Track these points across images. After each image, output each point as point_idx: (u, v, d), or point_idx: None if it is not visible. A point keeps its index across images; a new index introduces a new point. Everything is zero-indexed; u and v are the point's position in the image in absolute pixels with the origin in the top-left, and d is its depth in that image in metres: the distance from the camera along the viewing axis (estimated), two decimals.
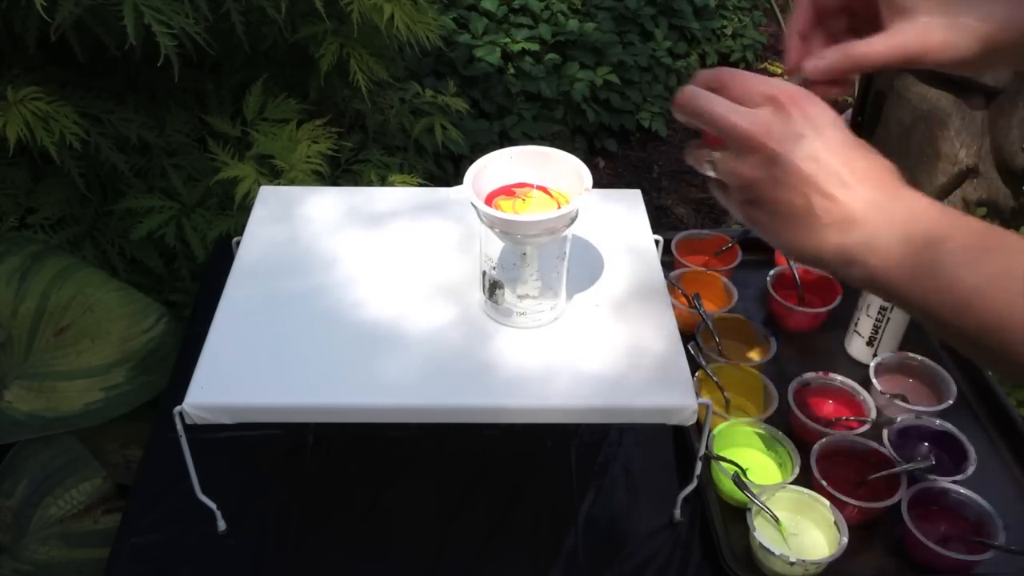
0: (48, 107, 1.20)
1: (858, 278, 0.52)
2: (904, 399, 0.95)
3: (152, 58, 1.15)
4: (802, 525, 0.83)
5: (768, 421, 0.91)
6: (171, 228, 1.37)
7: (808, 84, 0.58)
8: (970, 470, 0.86)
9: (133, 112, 1.39)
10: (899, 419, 0.92)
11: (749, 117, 0.52)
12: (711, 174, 0.56)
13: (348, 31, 1.43)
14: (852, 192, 0.50)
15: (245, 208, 1.26)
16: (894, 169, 0.53)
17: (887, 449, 0.88)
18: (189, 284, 1.45)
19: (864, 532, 0.84)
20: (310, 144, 1.42)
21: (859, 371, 1.00)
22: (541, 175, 0.77)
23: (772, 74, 3.27)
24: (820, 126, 0.52)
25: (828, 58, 0.57)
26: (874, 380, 0.96)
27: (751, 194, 0.53)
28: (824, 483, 0.83)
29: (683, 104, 0.55)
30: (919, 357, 0.99)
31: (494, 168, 0.76)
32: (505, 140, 2.54)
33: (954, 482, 0.85)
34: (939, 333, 0.51)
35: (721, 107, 0.53)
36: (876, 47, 0.56)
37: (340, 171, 1.61)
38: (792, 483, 0.84)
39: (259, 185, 1.06)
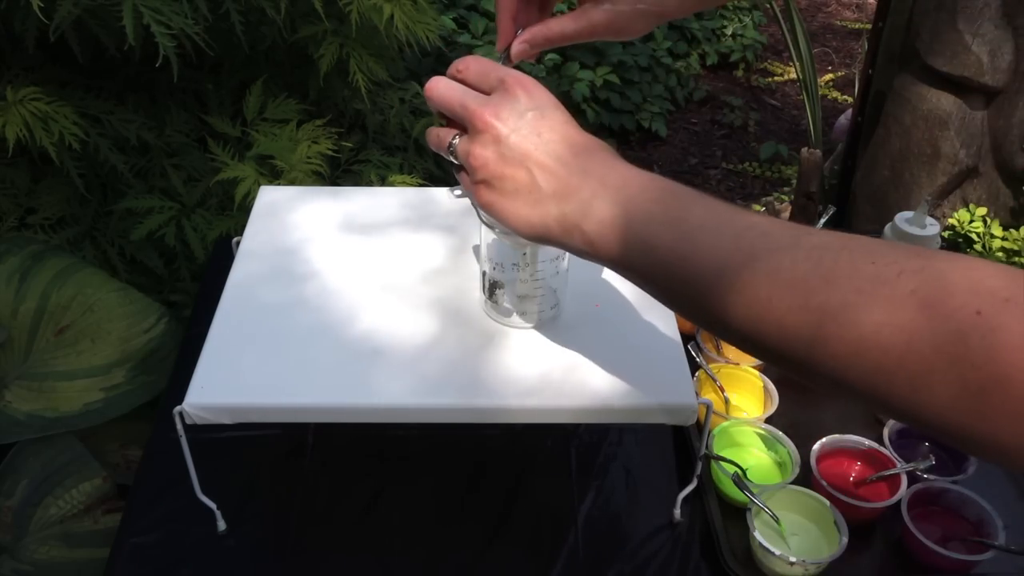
0: (47, 107, 1.20)
1: (579, 246, 0.55)
2: None
3: (152, 58, 1.15)
4: (802, 525, 0.83)
5: (768, 421, 0.91)
6: (171, 228, 1.37)
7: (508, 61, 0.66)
8: (970, 470, 0.86)
9: (133, 112, 1.39)
10: None
11: (480, 100, 0.56)
12: (452, 160, 0.59)
13: (347, 31, 1.43)
14: (569, 165, 0.55)
15: (245, 208, 1.26)
16: (608, 147, 0.57)
17: (887, 449, 0.88)
18: (189, 284, 1.45)
19: (864, 532, 0.84)
20: (310, 144, 1.42)
21: None
22: None
23: (772, 73, 3.27)
24: (543, 106, 0.56)
25: (526, 39, 0.65)
26: None
27: (484, 174, 0.56)
28: (824, 483, 0.83)
29: (429, 92, 0.59)
30: None
31: None
32: None
33: (954, 482, 0.85)
34: (659, 298, 0.54)
35: (458, 92, 0.58)
36: (566, 25, 0.64)
37: (340, 171, 1.61)
38: (792, 483, 0.84)
39: (259, 185, 1.06)
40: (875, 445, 0.88)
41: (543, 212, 0.55)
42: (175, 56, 1.15)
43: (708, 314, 0.49)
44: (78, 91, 1.35)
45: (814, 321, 0.43)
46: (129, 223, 1.38)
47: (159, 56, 1.13)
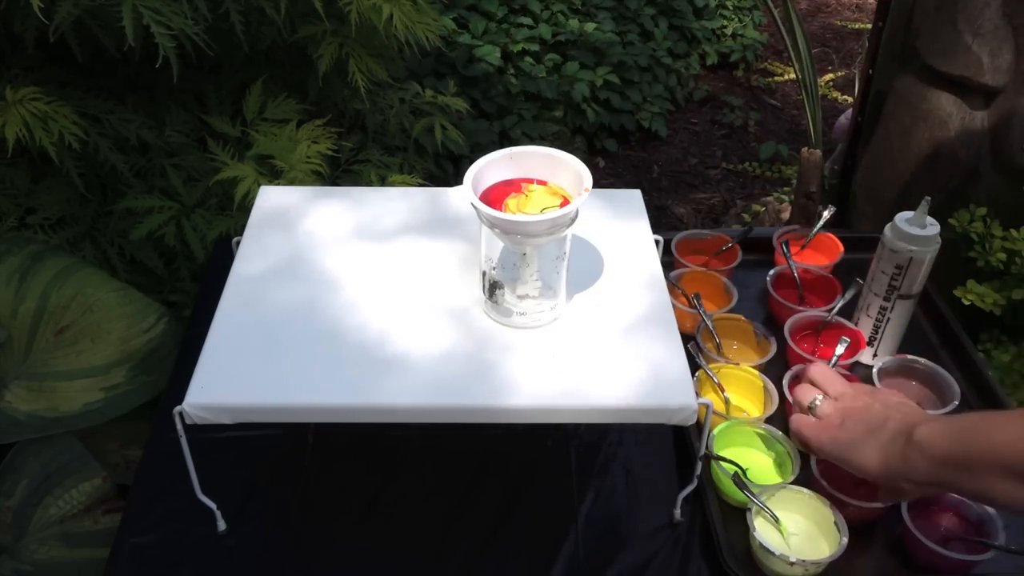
0: (47, 107, 1.20)
1: (904, 471, 0.72)
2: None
3: (151, 58, 1.15)
4: (802, 525, 0.83)
5: (768, 421, 0.91)
6: (171, 228, 1.37)
7: None
8: None
9: (132, 112, 1.39)
10: None
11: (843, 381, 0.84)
12: (807, 413, 0.82)
13: (347, 31, 1.43)
14: (912, 411, 0.77)
15: (245, 208, 1.26)
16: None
17: None
18: (189, 284, 1.45)
19: (864, 532, 0.84)
20: (310, 144, 1.42)
21: (860, 371, 1.01)
22: (541, 175, 0.77)
23: (772, 73, 3.27)
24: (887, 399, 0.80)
25: None
26: (877, 384, 0.96)
27: (843, 416, 0.78)
28: (824, 483, 0.83)
29: (810, 375, 0.85)
30: (922, 360, 0.99)
31: (494, 168, 0.76)
32: (505, 140, 2.54)
33: None
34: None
35: (830, 380, 0.83)
36: None
37: (340, 171, 1.61)
38: (792, 483, 0.84)
39: (259, 185, 1.06)
40: None
41: (885, 443, 0.74)
42: (175, 56, 1.15)
43: None
44: (78, 91, 1.35)
45: None
46: (129, 223, 1.38)
47: (159, 56, 1.13)
